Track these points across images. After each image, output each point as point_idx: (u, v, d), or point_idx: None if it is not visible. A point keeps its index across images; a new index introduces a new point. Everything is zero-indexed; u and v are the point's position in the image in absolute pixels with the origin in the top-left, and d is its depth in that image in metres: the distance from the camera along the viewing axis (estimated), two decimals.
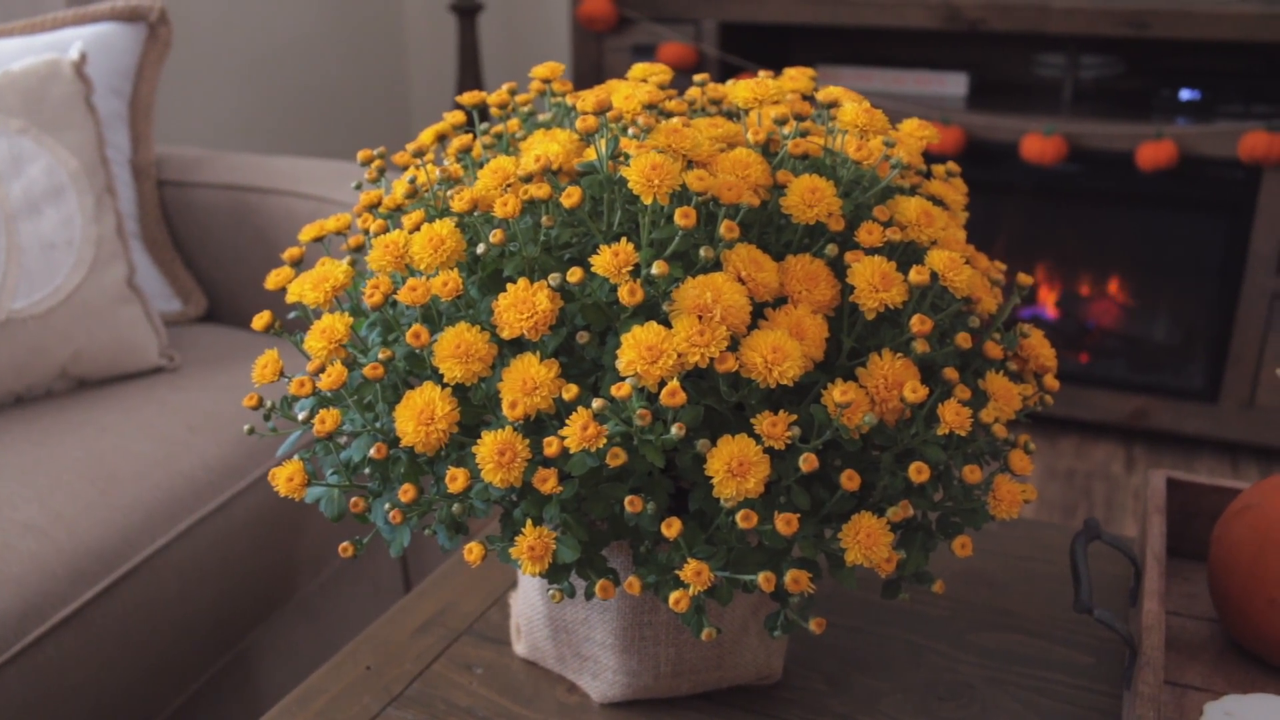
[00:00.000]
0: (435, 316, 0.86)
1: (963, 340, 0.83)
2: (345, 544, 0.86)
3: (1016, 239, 3.32)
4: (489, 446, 0.76)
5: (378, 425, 0.85)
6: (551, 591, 0.81)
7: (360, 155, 0.99)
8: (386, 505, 0.83)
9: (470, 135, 0.96)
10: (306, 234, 1.00)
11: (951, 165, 1.01)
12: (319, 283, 0.87)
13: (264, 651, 1.71)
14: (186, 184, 2.14)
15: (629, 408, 0.74)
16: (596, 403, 0.73)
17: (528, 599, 1.07)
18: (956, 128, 3.13)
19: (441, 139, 1.00)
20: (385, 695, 1.09)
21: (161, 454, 1.59)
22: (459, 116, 0.98)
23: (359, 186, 1.00)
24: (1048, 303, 3.32)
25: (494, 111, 1.01)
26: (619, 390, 0.73)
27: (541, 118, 1.01)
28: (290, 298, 0.90)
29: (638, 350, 0.74)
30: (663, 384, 0.74)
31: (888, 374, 0.79)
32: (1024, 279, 0.94)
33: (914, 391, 0.77)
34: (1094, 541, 1.18)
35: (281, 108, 3.26)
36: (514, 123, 1.03)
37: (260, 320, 0.90)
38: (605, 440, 0.74)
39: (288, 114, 3.28)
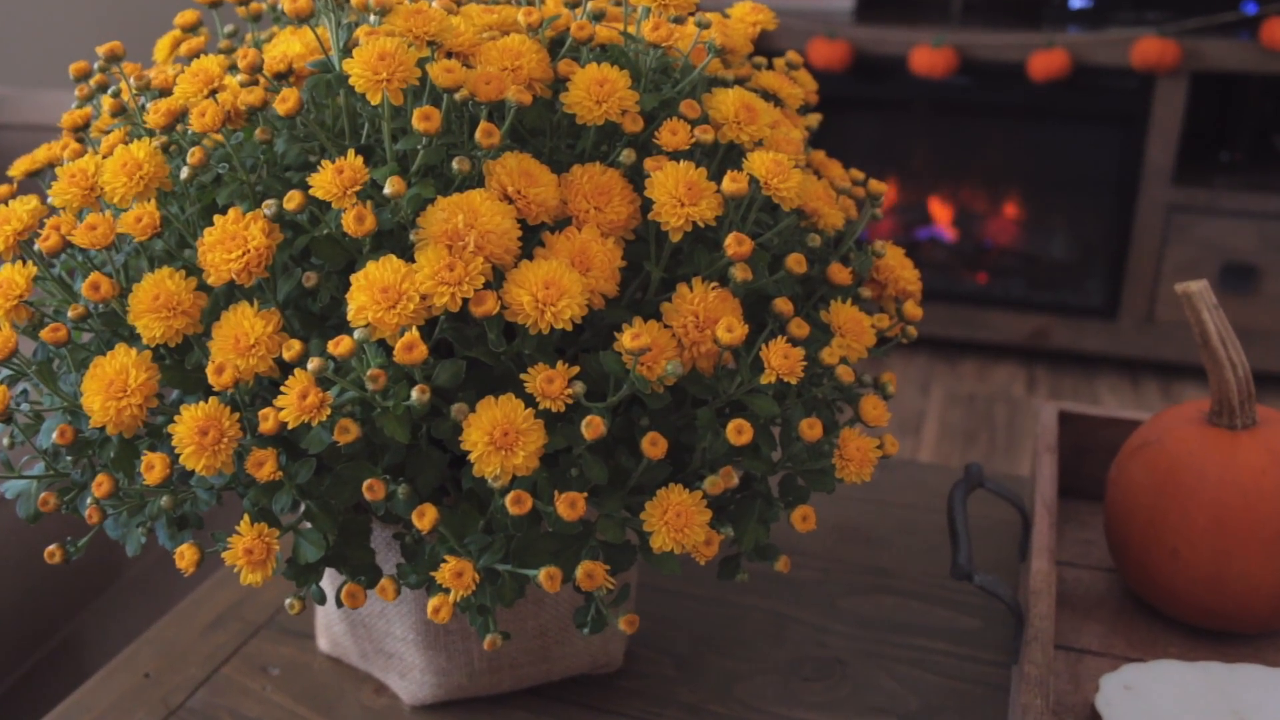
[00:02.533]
0: (153, 264, 0.69)
1: (795, 263, 0.67)
2: (52, 548, 0.70)
3: (909, 157, 3.19)
4: (188, 424, 0.59)
5: (76, 403, 0.67)
6: (289, 600, 0.64)
7: (73, 69, 0.80)
8: (89, 500, 0.66)
9: (203, 39, 0.78)
10: (17, 168, 0.82)
11: (793, 56, 0.85)
12: None
13: (96, 637, 1.53)
14: None
15: (359, 368, 0.58)
16: (313, 363, 0.57)
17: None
18: (843, 42, 2.98)
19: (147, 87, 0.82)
20: (162, 708, 0.92)
21: None
22: (191, 16, 0.80)
23: (81, 106, 0.82)
24: (944, 222, 3.20)
25: (239, 11, 0.83)
26: (337, 346, 0.56)
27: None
28: None
29: (370, 293, 0.58)
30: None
31: (699, 309, 0.63)
32: (877, 186, 0.79)
33: (729, 331, 0.61)
34: (979, 489, 1.04)
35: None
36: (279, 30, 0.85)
37: None
38: (330, 411, 0.57)
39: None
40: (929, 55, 2.92)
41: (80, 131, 0.76)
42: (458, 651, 0.84)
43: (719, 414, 0.67)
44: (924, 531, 1.11)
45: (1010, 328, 3.12)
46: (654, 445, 0.61)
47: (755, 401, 0.64)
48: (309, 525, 0.64)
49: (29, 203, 0.70)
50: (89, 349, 0.70)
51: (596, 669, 0.91)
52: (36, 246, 0.67)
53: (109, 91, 0.73)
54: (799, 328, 0.67)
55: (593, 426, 0.58)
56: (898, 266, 0.79)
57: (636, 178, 0.68)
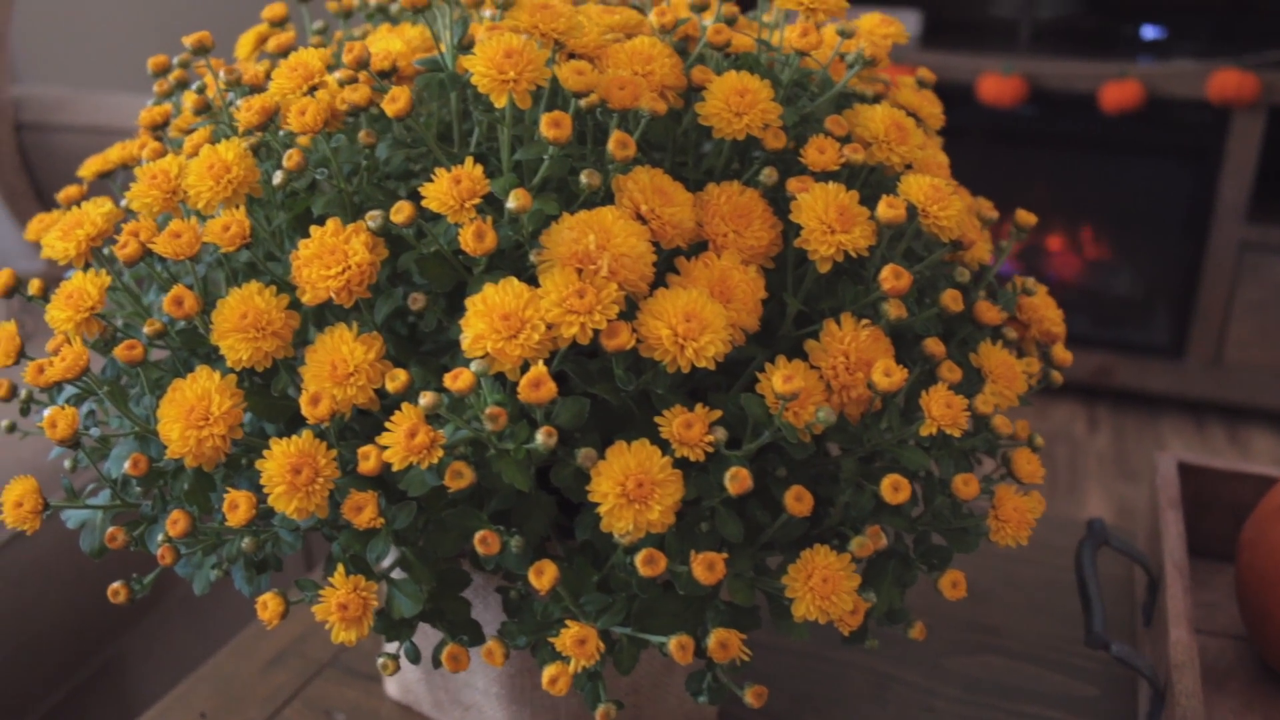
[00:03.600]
0: (234, 277, 0.63)
1: (951, 300, 0.60)
2: (116, 585, 0.63)
3: (972, 187, 3.11)
4: (279, 461, 0.53)
5: (150, 427, 0.61)
6: (381, 660, 0.58)
7: (151, 63, 0.74)
8: (160, 537, 0.60)
9: (292, 34, 0.72)
10: (88, 168, 0.77)
11: (924, 73, 0.78)
12: (70, 229, 0.63)
13: (139, 659, 1.47)
14: (50, 127, 1.87)
15: (476, 405, 0.51)
16: (426, 398, 0.50)
17: None
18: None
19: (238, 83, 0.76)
20: None
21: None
22: (280, 9, 0.74)
23: (159, 103, 0.76)
24: (1007, 255, 3.12)
25: (330, 6, 0.77)
26: (455, 381, 0.50)
27: (394, 8, 0.77)
28: (45, 253, 0.66)
29: (489, 320, 0.51)
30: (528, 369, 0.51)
31: (850, 349, 0.57)
32: (1025, 217, 0.72)
33: (887, 375, 0.54)
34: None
35: (174, 44, 2.96)
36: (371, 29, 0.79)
37: None
38: (442, 452, 0.50)
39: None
40: (997, 83, 2.85)
41: (159, 130, 0.70)
42: (543, 708, 0.78)
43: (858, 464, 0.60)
44: (1028, 586, 1.04)
45: (1072, 365, 3.03)
46: (799, 501, 0.54)
47: (905, 453, 0.58)
48: (403, 575, 0.58)
49: (103, 205, 0.65)
50: (162, 368, 0.63)
51: None
52: (108, 252, 0.61)
53: (194, 87, 0.67)
54: (951, 372, 0.60)
55: (738, 480, 0.51)
56: (1042, 306, 0.72)
57: (771, 199, 0.61)
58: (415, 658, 0.59)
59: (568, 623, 0.52)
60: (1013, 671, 0.92)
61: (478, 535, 0.52)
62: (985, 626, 0.98)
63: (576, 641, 0.52)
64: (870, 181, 0.65)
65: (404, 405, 0.51)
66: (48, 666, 1.31)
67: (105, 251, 0.65)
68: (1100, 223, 3.05)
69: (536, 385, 0.49)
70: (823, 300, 0.61)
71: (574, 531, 0.60)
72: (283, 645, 0.97)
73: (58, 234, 0.64)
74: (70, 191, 0.76)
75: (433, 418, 0.51)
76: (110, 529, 0.60)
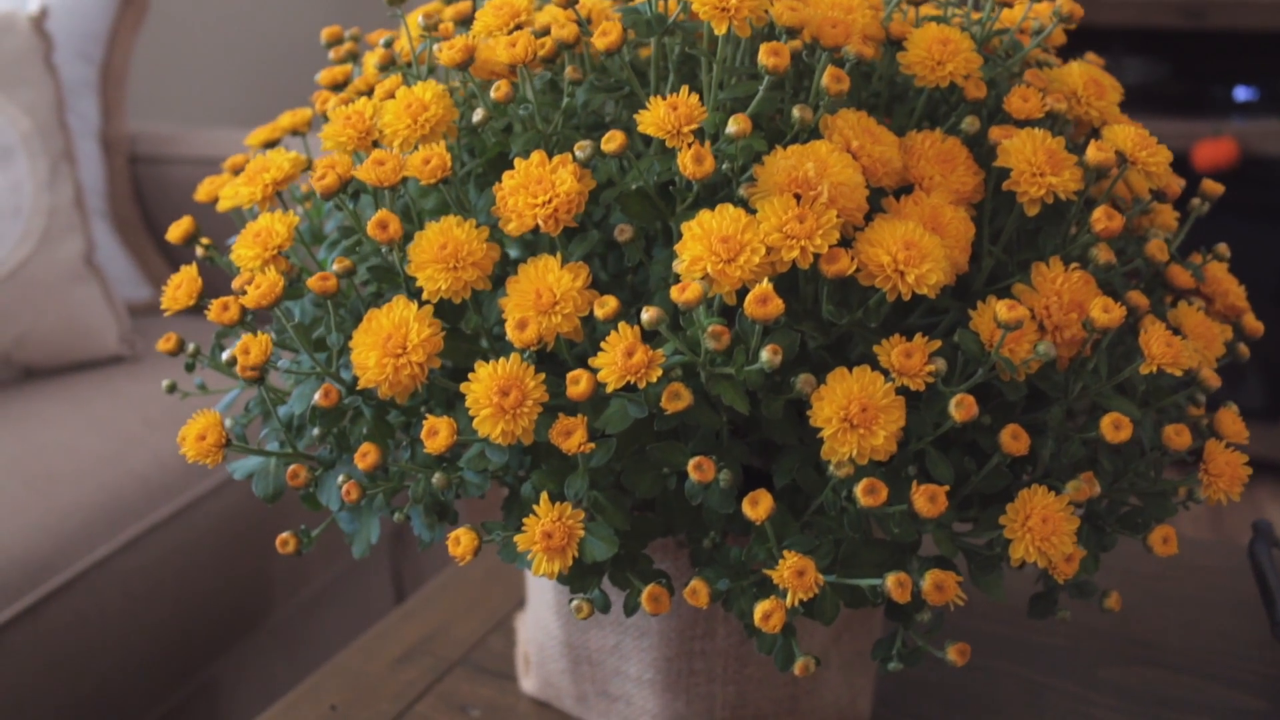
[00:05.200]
0: (415, 219, 0.63)
1: (1158, 250, 0.59)
2: (285, 535, 0.62)
3: None
4: (486, 383, 0.52)
5: (331, 369, 0.60)
6: (576, 603, 0.56)
7: (325, 33, 0.75)
8: (341, 477, 0.59)
9: (470, 3, 0.72)
10: (255, 137, 0.77)
11: (1092, 56, 0.77)
12: (256, 174, 0.63)
13: (231, 684, 1.46)
14: (162, 160, 1.91)
15: (696, 323, 0.50)
16: (649, 313, 0.49)
17: (539, 621, 0.82)
18: None
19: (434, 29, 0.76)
20: None
21: (110, 451, 1.35)
22: None
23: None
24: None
25: None
26: (684, 293, 0.49)
27: None
28: (223, 204, 0.67)
29: (707, 243, 0.50)
30: (743, 294, 0.50)
31: (1062, 289, 0.55)
32: (1212, 187, 0.70)
33: (1106, 311, 0.53)
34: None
35: (282, 84, 3.01)
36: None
37: (178, 229, 0.67)
38: (660, 373, 0.49)
39: (288, 90, 3.04)
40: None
41: (339, 88, 0.70)
42: (699, 696, 0.75)
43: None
44: (1174, 602, 1.00)
45: None
46: (1015, 439, 0.52)
47: (1114, 402, 0.56)
48: (594, 519, 0.56)
49: (289, 154, 0.65)
50: (344, 310, 0.63)
51: None
52: (303, 191, 0.61)
53: (382, 42, 0.67)
54: (1153, 324, 0.58)
55: (964, 406, 0.50)
56: (1225, 279, 0.70)
57: (970, 149, 0.60)
58: (605, 606, 0.57)
59: (785, 554, 0.51)
60: (1172, 683, 0.89)
61: (692, 461, 0.50)
62: (1137, 640, 0.95)
63: (795, 573, 0.50)
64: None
65: (621, 325, 0.50)
66: (155, 680, 1.31)
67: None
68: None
69: (764, 301, 0.48)
70: (1021, 252, 0.60)
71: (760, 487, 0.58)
72: (412, 643, 0.96)
73: (243, 181, 0.64)
74: (236, 159, 0.77)
75: (650, 337, 0.50)
76: (292, 467, 0.59)
